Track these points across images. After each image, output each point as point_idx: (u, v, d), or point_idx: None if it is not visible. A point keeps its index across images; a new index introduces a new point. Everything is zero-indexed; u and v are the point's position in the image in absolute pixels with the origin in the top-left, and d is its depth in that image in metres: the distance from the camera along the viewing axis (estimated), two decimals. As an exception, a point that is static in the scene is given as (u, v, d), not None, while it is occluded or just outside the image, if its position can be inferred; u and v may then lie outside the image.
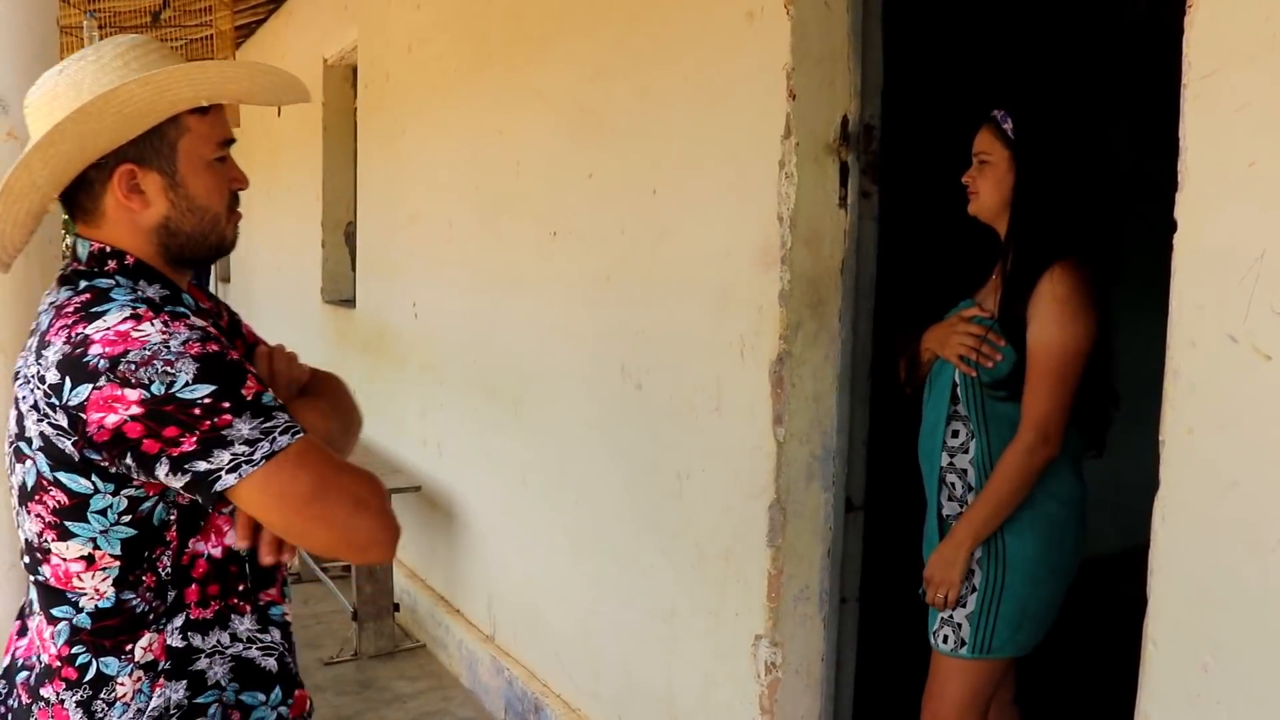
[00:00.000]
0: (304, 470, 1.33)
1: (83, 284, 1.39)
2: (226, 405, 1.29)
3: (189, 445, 1.28)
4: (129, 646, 1.37)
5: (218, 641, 1.43)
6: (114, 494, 1.33)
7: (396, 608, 4.66)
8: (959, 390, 2.43)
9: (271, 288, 8.13)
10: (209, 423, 1.28)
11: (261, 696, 1.47)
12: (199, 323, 1.36)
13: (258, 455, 1.30)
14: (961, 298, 2.55)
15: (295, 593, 5.25)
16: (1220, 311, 1.55)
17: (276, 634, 1.50)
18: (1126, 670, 1.80)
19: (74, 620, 1.37)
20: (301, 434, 1.34)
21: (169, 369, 1.28)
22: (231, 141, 1.49)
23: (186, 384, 1.28)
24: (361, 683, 4.30)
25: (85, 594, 1.37)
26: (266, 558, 1.41)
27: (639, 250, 3.09)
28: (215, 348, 1.32)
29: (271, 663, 1.48)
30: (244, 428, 1.29)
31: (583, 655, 3.49)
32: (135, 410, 1.26)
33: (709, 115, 2.78)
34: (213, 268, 9.95)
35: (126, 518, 1.34)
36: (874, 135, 2.61)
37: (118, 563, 1.36)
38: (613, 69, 3.21)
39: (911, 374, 2.58)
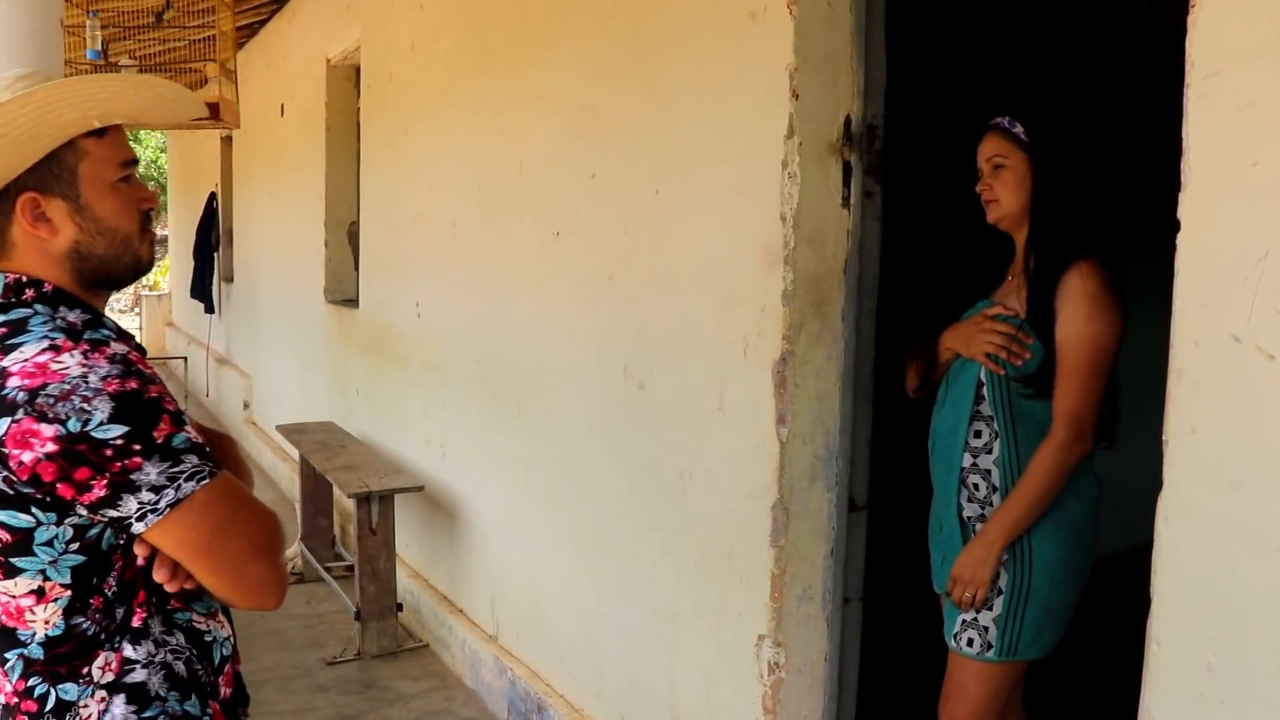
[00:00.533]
0: (205, 519, 1.34)
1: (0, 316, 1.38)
2: (137, 448, 1.30)
3: (100, 490, 1.29)
4: (85, 669, 1.37)
5: (149, 651, 1.41)
6: (57, 524, 1.32)
7: (399, 607, 4.66)
8: (985, 389, 2.43)
9: (274, 288, 8.13)
10: (119, 464, 1.29)
11: (198, 704, 1.44)
12: (120, 351, 1.36)
13: (163, 504, 1.31)
14: (975, 299, 2.56)
15: (298, 593, 5.30)
16: (1223, 311, 1.55)
17: (181, 638, 1.45)
18: (1130, 670, 1.80)
19: (26, 653, 1.37)
20: (207, 479, 1.34)
21: (86, 405, 1.28)
22: (134, 161, 1.49)
23: (101, 423, 1.28)
24: (364, 682, 4.31)
25: (36, 627, 1.36)
26: (158, 574, 1.40)
27: (642, 250, 3.09)
28: (134, 384, 1.32)
29: (181, 667, 1.44)
30: (152, 472, 1.30)
31: (585, 655, 3.49)
32: (50, 448, 1.27)
33: (712, 115, 2.78)
34: (216, 266, 9.97)
35: (75, 545, 1.34)
36: (877, 135, 2.61)
37: (68, 592, 1.36)
38: (615, 69, 3.21)
39: (927, 376, 2.57)
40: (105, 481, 1.29)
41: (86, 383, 1.29)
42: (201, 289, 10.17)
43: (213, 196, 10.30)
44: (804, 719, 2.68)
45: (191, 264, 10.50)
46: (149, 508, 1.31)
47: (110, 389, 1.30)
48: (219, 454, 1.60)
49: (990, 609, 2.40)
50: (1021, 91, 3.80)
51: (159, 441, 1.31)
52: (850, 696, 2.80)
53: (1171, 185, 1.64)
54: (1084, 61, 4.57)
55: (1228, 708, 1.56)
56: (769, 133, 2.56)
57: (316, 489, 5.62)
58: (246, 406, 8.88)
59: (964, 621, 2.44)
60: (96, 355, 1.33)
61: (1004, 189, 2.43)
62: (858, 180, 2.58)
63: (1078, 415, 2.31)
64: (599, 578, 3.39)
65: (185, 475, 1.32)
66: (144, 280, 18.27)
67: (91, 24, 4.88)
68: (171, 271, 15.10)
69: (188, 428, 1.37)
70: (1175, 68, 1.67)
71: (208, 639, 1.49)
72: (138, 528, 1.32)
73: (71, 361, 1.31)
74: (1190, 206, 1.60)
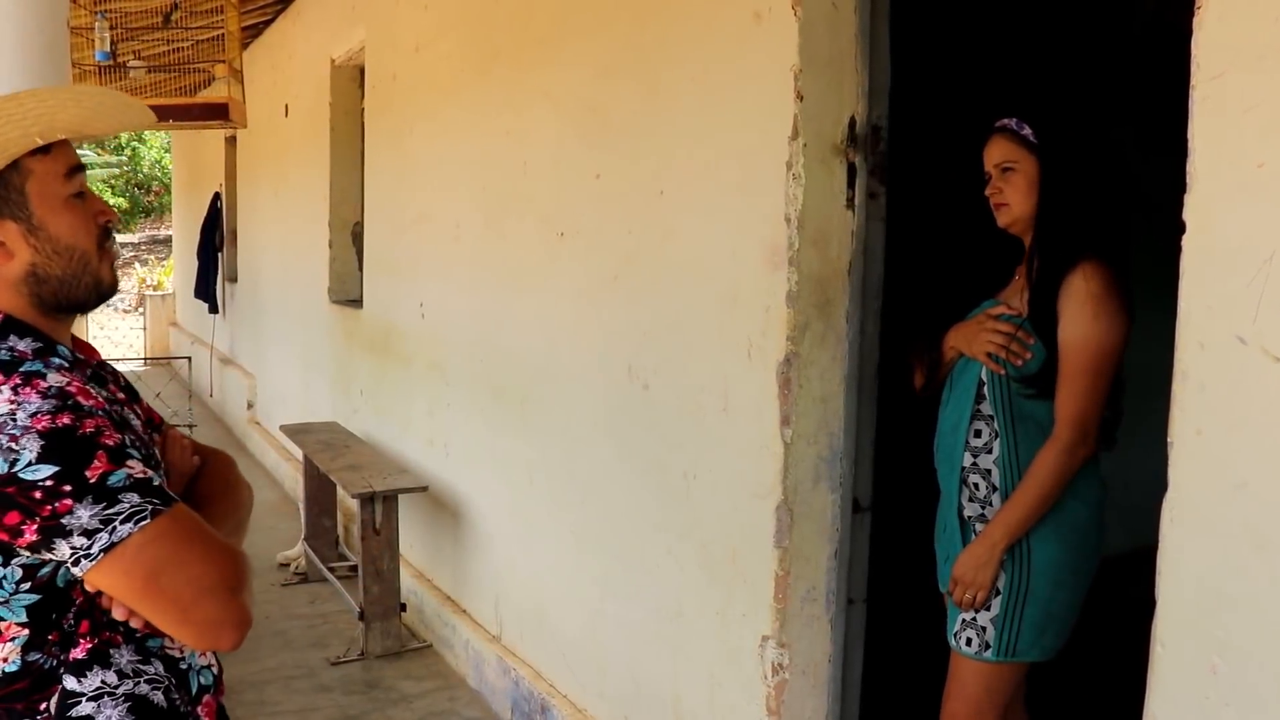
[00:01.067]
0: (140, 563, 1.27)
1: None
2: (68, 489, 1.24)
3: (31, 534, 1.24)
4: (43, 705, 1.32)
5: (102, 682, 1.35)
6: (4, 565, 1.28)
7: (403, 608, 4.66)
8: (986, 389, 2.43)
9: (278, 288, 8.14)
10: (49, 508, 1.23)
11: None
12: (57, 384, 1.29)
13: (95, 549, 1.25)
14: (980, 299, 2.56)
15: (302, 593, 5.31)
16: (1229, 313, 1.55)
17: (159, 666, 1.41)
18: (1134, 672, 1.80)
19: None
20: (147, 520, 1.27)
21: (13, 445, 1.23)
22: (82, 168, 1.43)
23: (29, 463, 1.23)
24: (368, 682, 4.31)
25: None
26: (116, 612, 1.36)
27: (646, 250, 3.09)
28: (66, 420, 1.26)
29: (160, 697, 1.39)
30: (84, 515, 1.24)
31: (589, 655, 3.49)
32: None
33: (716, 116, 2.78)
34: (220, 266, 9.98)
35: (26, 585, 1.30)
36: (881, 136, 2.61)
37: (26, 630, 1.32)
38: (620, 69, 3.21)
39: (932, 375, 2.57)
40: (35, 526, 1.23)
41: (14, 420, 1.24)
42: (206, 289, 10.18)
43: (217, 196, 10.32)
44: (807, 719, 2.68)
45: (196, 264, 10.51)
46: (81, 553, 1.25)
47: (39, 426, 1.24)
48: (215, 474, 1.59)
49: (989, 609, 2.39)
50: (1026, 93, 3.79)
51: (92, 481, 1.25)
52: (854, 697, 2.80)
53: (1175, 187, 1.64)
54: (1088, 63, 4.57)
55: (1233, 710, 1.56)
56: (773, 134, 2.56)
57: (320, 489, 5.62)
58: (250, 406, 8.89)
59: (963, 621, 2.44)
60: (27, 390, 1.27)
61: (1014, 192, 2.42)
62: (862, 181, 2.58)
63: (1081, 417, 2.31)
64: (603, 578, 3.39)
65: (122, 517, 1.25)
66: (148, 281, 18.29)
67: (100, 25, 4.89)
68: (176, 271, 15.12)
69: (130, 463, 1.29)
70: (1180, 69, 1.67)
71: (183, 666, 1.44)
72: (74, 571, 1.27)
73: (0, 398, 1.26)
74: (1195, 208, 1.60)
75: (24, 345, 1.36)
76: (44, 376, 1.30)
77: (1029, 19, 4.43)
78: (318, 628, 4.90)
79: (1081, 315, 2.30)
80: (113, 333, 14.68)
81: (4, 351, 1.34)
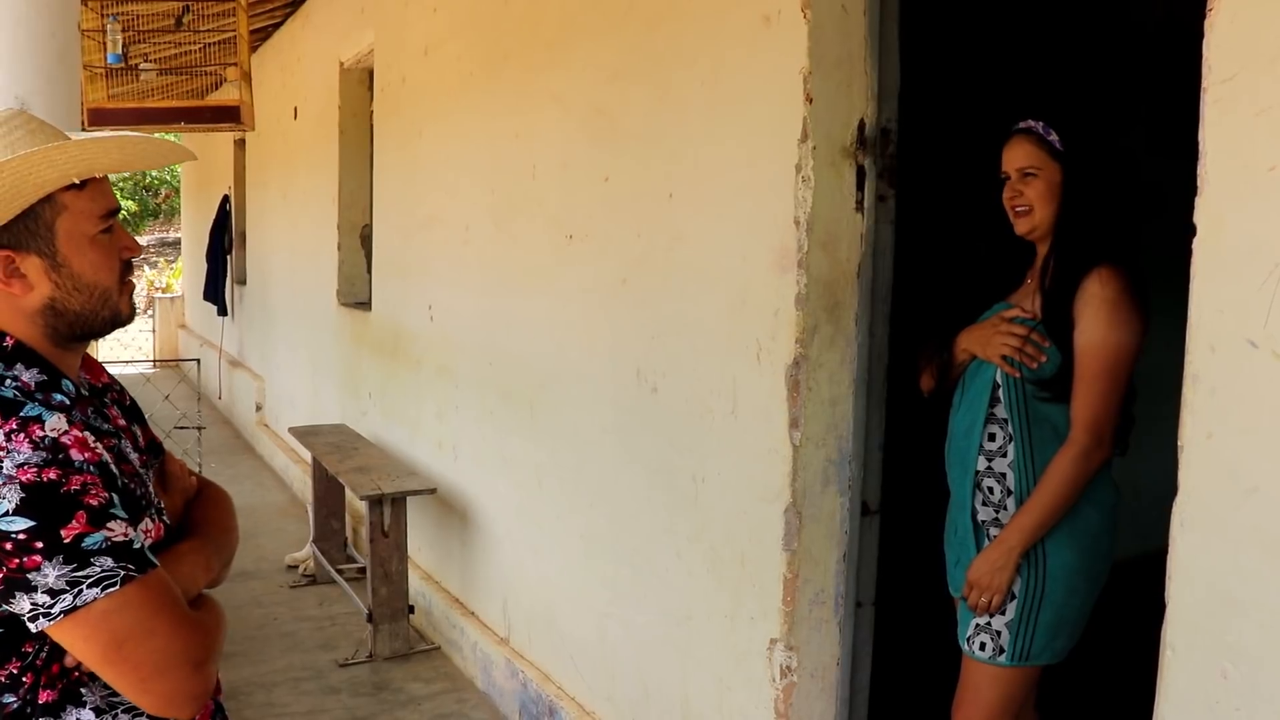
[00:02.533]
0: (101, 630, 1.25)
1: None
2: (39, 545, 1.22)
3: None
4: None
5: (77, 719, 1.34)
6: None
7: (411, 610, 4.67)
8: (1000, 392, 2.43)
9: (287, 290, 8.16)
10: (16, 561, 1.22)
11: None
12: (54, 432, 1.27)
13: (56, 609, 1.23)
14: (992, 301, 2.55)
15: (310, 594, 5.32)
16: (1240, 316, 1.54)
17: None
18: (1144, 676, 1.79)
19: None
20: (115, 587, 1.25)
21: None
22: (116, 211, 1.42)
23: (6, 513, 1.21)
24: (376, 684, 4.31)
25: None
26: (67, 659, 1.34)
27: (655, 253, 3.09)
28: (53, 474, 1.24)
29: None
30: (51, 574, 1.22)
31: (597, 658, 3.49)
32: None
33: (726, 119, 2.78)
34: (229, 268, 10.01)
35: None
36: (891, 139, 2.61)
37: None
38: (629, 72, 3.22)
39: (943, 377, 2.57)
40: (1, 575, 1.22)
41: (0, 468, 1.23)
42: (215, 291, 10.20)
43: (226, 199, 10.34)
44: (816, 723, 2.68)
45: (204, 267, 10.54)
46: (41, 610, 1.23)
47: (24, 477, 1.23)
48: (200, 518, 1.56)
49: (1003, 614, 2.39)
50: (1037, 95, 3.78)
51: (65, 541, 1.23)
52: (862, 701, 2.79)
53: (1185, 189, 1.63)
54: (1099, 64, 4.56)
55: (1243, 715, 1.55)
56: (783, 136, 2.56)
57: (329, 491, 5.63)
58: (259, 409, 8.91)
59: (977, 625, 2.43)
60: (20, 438, 1.25)
61: (1036, 198, 2.41)
62: (871, 184, 2.57)
63: (1097, 421, 2.31)
64: (611, 581, 3.39)
65: (90, 581, 1.23)
66: (156, 284, 18.34)
67: (112, 28, 4.90)
68: (184, 274, 15.15)
69: (111, 525, 1.27)
70: (1191, 71, 1.66)
71: None
72: (30, 627, 1.25)
73: None
74: (1206, 211, 1.59)
75: (28, 376, 1.36)
76: (42, 423, 1.28)
77: (1039, 20, 4.43)
78: (326, 629, 4.90)
79: (1097, 320, 2.30)
80: (121, 335, 14.72)
81: (9, 387, 1.32)
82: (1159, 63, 4.26)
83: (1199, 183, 1.60)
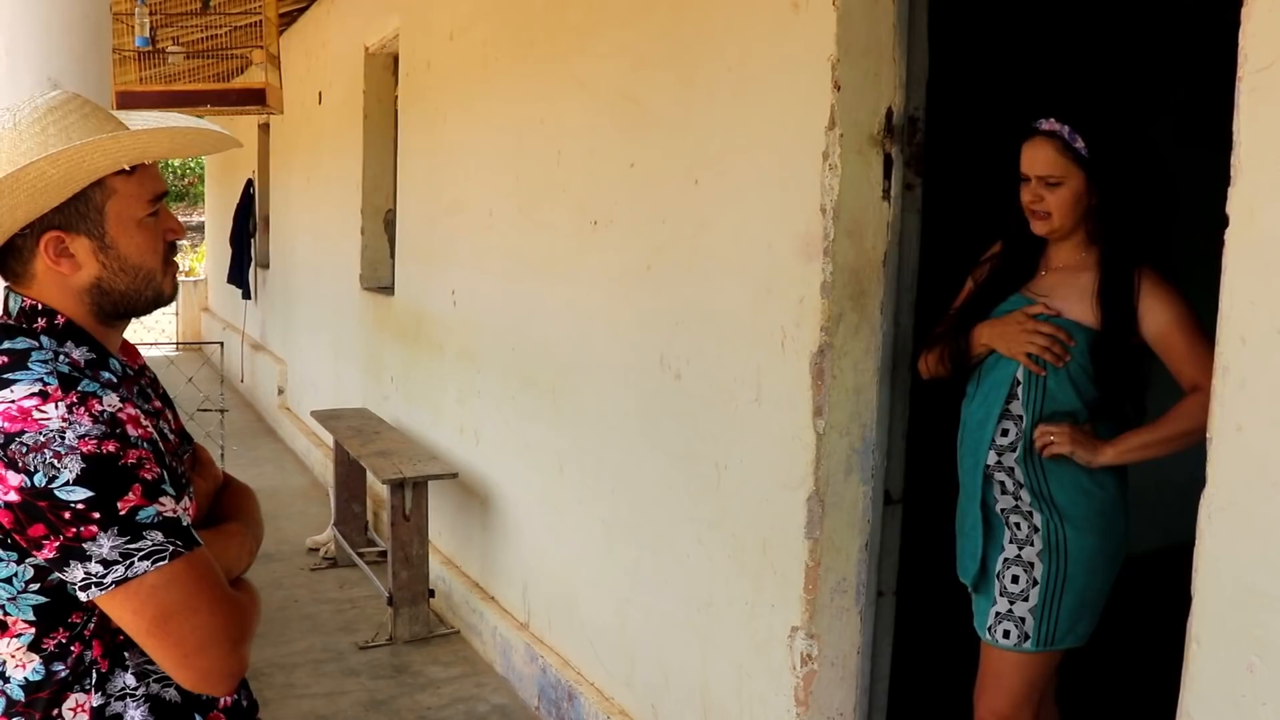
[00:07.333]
0: (150, 603, 1.29)
1: (4, 344, 1.36)
2: (96, 516, 1.26)
3: (50, 551, 1.26)
4: (55, 711, 1.35)
5: (123, 684, 1.38)
6: (18, 562, 1.30)
7: (432, 593, 4.69)
8: (1020, 389, 2.43)
9: (310, 274, 8.19)
10: (74, 530, 1.25)
11: None
12: (111, 407, 1.31)
13: (108, 579, 1.27)
14: (1003, 292, 2.54)
15: (331, 577, 5.35)
16: (1272, 308, 1.53)
17: None
18: (1167, 669, 1.79)
19: (8, 691, 1.35)
20: (165, 561, 1.29)
21: (56, 462, 1.25)
22: (164, 194, 1.46)
23: (67, 483, 1.25)
24: (396, 667, 4.34)
25: (5, 661, 1.35)
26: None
27: (680, 240, 3.09)
28: (112, 447, 1.28)
29: (173, 692, 1.41)
30: (105, 544, 1.26)
31: (617, 644, 3.50)
32: (12, 496, 1.25)
33: (752, 106, 2.77)
34: (253, 252, 10.05)
35: (35, 585, 1.31)
36: (918, 127, 2.60)
37: (32, 629, 1.33)
38: (656, 58, 3.21)
39: (958, 367, 2.55)
40: (57, 544, 1.26)
41: (63, 439, 1.26)
42: (238, 275, 10.25)
43: (250, 183, 10.38)
44: (836, 711, 2.68)
45: (228, 250, 10.58)
46: (94, 580, 1.27)
47: (85, 449, 1.26)
48: (234, 506, 1.61)
49: (1026, 600, 2.41)
50: (1066, 84, 3.76)
51: (121, 513, 1.27)
52: (882, 689, 2.80)
53: (1213, 180, 1.62)
54: (1129, 54, 4.52)
55: (1270, 709, 1.55)
56: (810, 124, 2.55)
57: (350, 475, 5.66)
58: (281, 392, 8.95)
59: (998, 615, 2.44)
60: (81, 411, 1.28)
61: (1058, 206, 2.40)
62: (898, 172, 2.57)
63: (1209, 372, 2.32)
64: (632, 567, 3.39)
65: (141, 554, 1.27)
66: (181, 267, 18.45)
67: (140, 10, 4.93)
68: (208, 257, 15.23)
69: (163, 500, 1.31)
70: (1225, 60, 1.65)
71: None
72: (81, 595, 1.29)
73: (54, 413, 1.27)
74: (1239, 201, 1.58)
75: (78, 354, 1.39)
76: (100, 399, 1.31)
77: (1069, 8, 4.39)
78: (346, 612, 4.93)
79: (1163, 303, 2.32)
80: (145, 318, 14.76)
81: (63, 362, 1.36)
82: (1192, 50, 4.22)
83: (1232, 173, 1.59)
